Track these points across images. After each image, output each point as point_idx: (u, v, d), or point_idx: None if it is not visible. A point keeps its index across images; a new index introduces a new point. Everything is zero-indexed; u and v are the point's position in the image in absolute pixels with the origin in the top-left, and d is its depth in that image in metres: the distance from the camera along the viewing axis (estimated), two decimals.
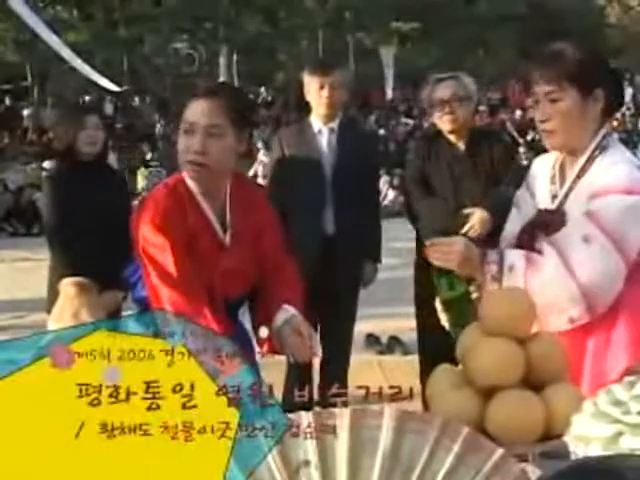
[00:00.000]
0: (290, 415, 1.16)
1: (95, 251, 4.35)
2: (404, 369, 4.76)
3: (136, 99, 24.82)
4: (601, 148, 2.35)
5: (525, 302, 2.00)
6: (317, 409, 1.19)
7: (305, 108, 4.41)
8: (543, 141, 2.45)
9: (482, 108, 25.76)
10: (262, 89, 28.56)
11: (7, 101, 24.05)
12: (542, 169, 2.52)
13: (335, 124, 4.23)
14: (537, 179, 2.53)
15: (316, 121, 4.24)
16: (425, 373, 4.05)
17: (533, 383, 1.93)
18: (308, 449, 1.14)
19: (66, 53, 12.18)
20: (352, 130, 4.36)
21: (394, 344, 6.01)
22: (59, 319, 2.18)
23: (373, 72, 23.95)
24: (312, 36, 25.37)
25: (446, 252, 2.32)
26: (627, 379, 1.57)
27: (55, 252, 4.48)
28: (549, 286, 2.22)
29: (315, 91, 4.17)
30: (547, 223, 2.39)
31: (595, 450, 1.44)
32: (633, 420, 1.43)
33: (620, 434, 1.44)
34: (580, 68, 2.33)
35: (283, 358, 2.60)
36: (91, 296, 2.22)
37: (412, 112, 21.79)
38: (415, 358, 4.44)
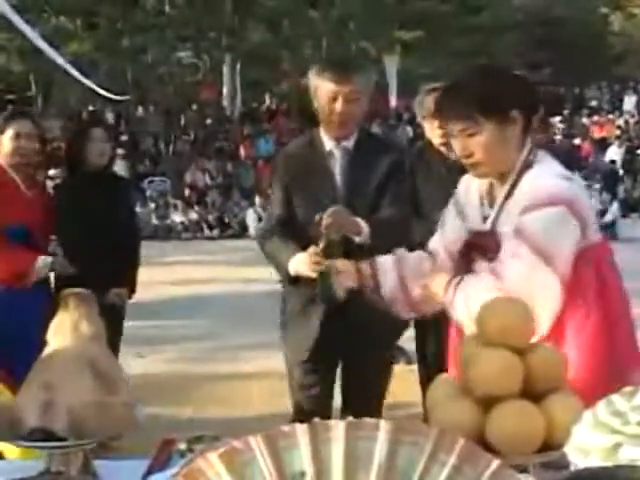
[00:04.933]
0: (285, 426, 1.16)
1: (102, 254, 4.54)
2: (408, 378, 4.75)
3: (140, 108, 24.90)
4: (527, 165, 2.33)
5: (524, 312, 1.99)
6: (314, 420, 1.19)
7: (311, 118, 3.60)
8: (469, 172, 2.44)
9: None
10: (266, 97, 28.64)
11: None
12: (469, 189, 2.49)
13: (350, 143, 3.32)
14: (465, 199, 2.50)
15: (327, 138, 3.33)
16: (423, 383, 4.04)
17: (532, 393, 1.93)
18: (303, 460, 1.13)
19: (61, 62, 12.21)
20: (373, 151, 3.37)
21: (398, 353, 6.00)
22: (58, 330, 2.18)
23: (376, 81, 23.97)
24: (316, 45, 25.41)
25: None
26: (627, 389, 1.56)
27: (65, 257, 4.62)
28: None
29: (325, 103, 3.23)
30: (482, 245, 2.39)
31: (594, 461, 1.43)
32: (633, 431, 1.42)
33: (619, 445, 1.43)
34: (490, 98, 2.29)
35: None
36: (90, 307, 2.22)
37: (416, 121, 21.80)
38: None
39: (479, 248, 2.39)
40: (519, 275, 2.20)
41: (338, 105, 3.20)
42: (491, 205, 2.39)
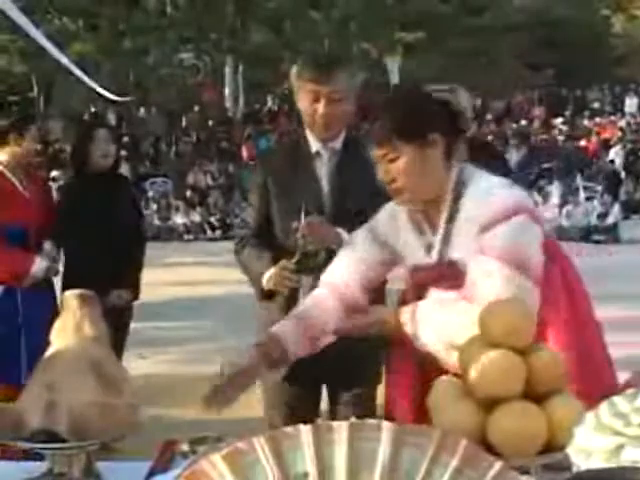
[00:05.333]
0: (288, 427, 1.16)
1: (106, 255, 4.59)
2: None
3: (142, 110, 24.92)
4: (462, 184, 2.29)
5: (525, 313, 1.99)
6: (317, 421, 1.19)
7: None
8: (394, 199, 2.35)
9: (488, 117, 25.83)
10: (268, 99, 28.65)
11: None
12: (396, 218, 2.41)
13: (338, 144, 3.09)
14: (388, 229, 2.42)
15: (313, 139, 3.09)
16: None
17: (534, 394, 1.93)
18: (307, 461, 1.14)
19: (66, 62, 12.21)
20: (365, 151, 3.06)
21: None
22: (61, 331, 2.18)
23: (378, 82, 23.97)
24: (317, 46, 25.42)
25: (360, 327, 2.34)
26: (629, 391, 1.57)
27: (68, 258, 4.66)
28: (468, 329, 2.11)
29: (307, 104, 3.00)
30: (436, 275, 2.31)
31: (596, 462, 1.43)
32: (635, 432, 1.43)
33: (622, 446, 1.43)
34: (407, 122, 2.27)
35: None
36: (94, 308, 2.22)
37: None
38: None
39: (432, 278, 2.32)
40: (496, 292, 2.14)
41: (320, 107, 2.96)
42: (434, 233, 2.32)
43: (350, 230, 2.74)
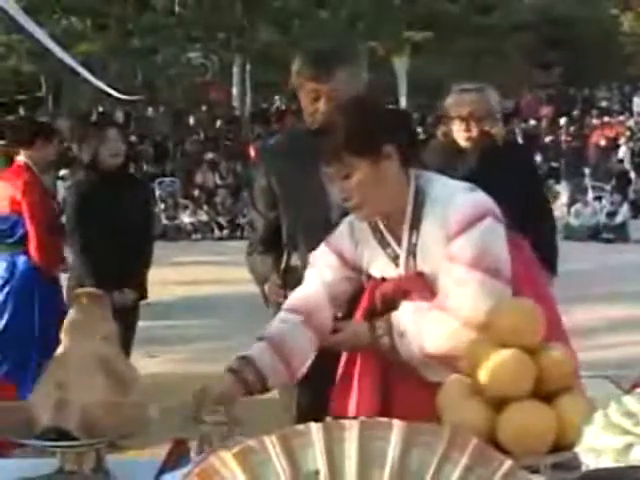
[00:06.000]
0: (299, 425, 1.16)
1: (114, 254, 4.65)
2: None
3: (149, 109, 24.94)
4: (422, 192, 2.24)
5: (534, 312, 1.99)
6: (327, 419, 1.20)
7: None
8: (354, 216, 2.30)
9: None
10: (276, 98, 28.64)
11: (21, 111, 24.18)
12: (358, 233, 2.34)
13: None
14: (353, 244, 2.35)
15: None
16: None
17: (544, 393, 1.93)
18: (317, 459, 1.14)
19: (68, 60, 12.25)
20: None
21: None
22: (71, 330, 2.19)
23: (386, 81, 23.97)
24: (325, 45, 25.40)
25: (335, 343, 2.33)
26: (638, 390, 1.57)
27: (77, 257, 4.76)
28: (443, 339, 2.15)
29: (308, 102, 2.88)
30: (404, 288, 2.27)
31: (606, 462, 1.43)
32: None
33: (631, 445, 1.43)
34: (358, 137, 2.17)
35: None
36: (104, 307, 2.23)
37: (425, 121, 21.78)
38: None
39: (400, 291, 2.28)
40: (471, 299, 2.13)
41: (321, 105, 2.80)
42: (399, 244, 2.27)
43: None
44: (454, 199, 2.21)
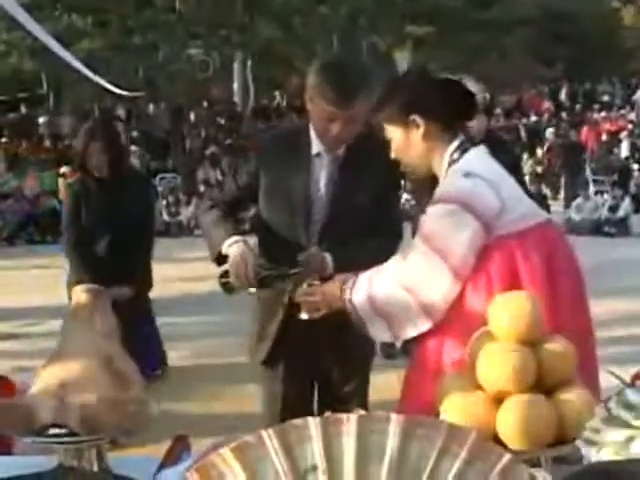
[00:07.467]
0: (297, 420, 1.16)
1: (114, 250, 4.64)
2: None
3: (151, 105, 24.94)
4: (451, 163, 2.42)
5: (534, 306, 1.99)
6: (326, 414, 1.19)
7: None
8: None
9: (497, 111, 25.75)
10: (277, 94, 28.63)
11: (23, 109, 24.22)
12: None
13: (341, 150, 2.88)
14: None
15: (317, 142, 2.88)
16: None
17: (544, 387, 1.92)
18: (315, 454, 1.13)
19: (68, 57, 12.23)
20: (368, 152, 2.84)
21: (408, 349, 6.00)
22: (72, 326, 2.19)
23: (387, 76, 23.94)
24: (326, 41, 25.38)
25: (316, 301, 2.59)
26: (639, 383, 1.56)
27: (74, 252, 4.73)
28: (388, 294, 2.38)
29: (321, 120, 2.78)
30: None
31: (607, 455, 1.43)
32: None
33: (631, 439, 1.43)
34: (384, 109, 2.49)
35: None
36: (103, 302, 2.22)
37: None
38: None
39: None
40: (413, 263, 2.36)
41: (335, 127, 2.75)
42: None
43: (340, 235, 2.79)
44: (450, 177, 2.39)
